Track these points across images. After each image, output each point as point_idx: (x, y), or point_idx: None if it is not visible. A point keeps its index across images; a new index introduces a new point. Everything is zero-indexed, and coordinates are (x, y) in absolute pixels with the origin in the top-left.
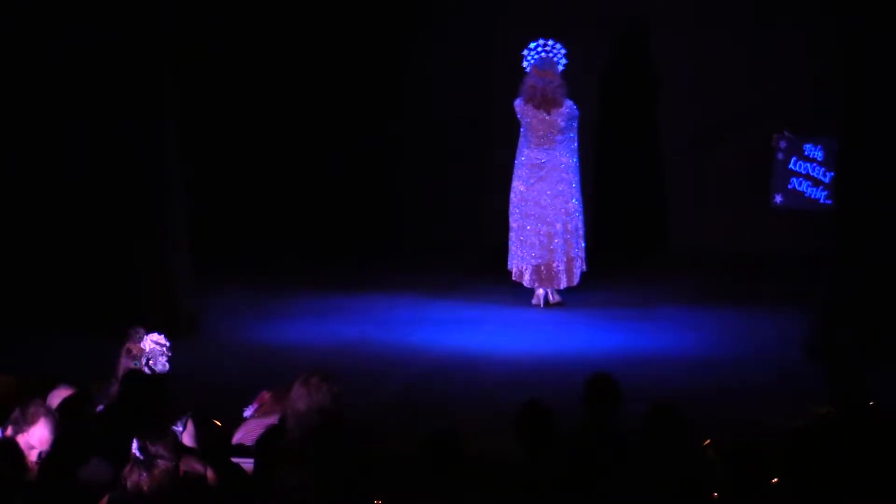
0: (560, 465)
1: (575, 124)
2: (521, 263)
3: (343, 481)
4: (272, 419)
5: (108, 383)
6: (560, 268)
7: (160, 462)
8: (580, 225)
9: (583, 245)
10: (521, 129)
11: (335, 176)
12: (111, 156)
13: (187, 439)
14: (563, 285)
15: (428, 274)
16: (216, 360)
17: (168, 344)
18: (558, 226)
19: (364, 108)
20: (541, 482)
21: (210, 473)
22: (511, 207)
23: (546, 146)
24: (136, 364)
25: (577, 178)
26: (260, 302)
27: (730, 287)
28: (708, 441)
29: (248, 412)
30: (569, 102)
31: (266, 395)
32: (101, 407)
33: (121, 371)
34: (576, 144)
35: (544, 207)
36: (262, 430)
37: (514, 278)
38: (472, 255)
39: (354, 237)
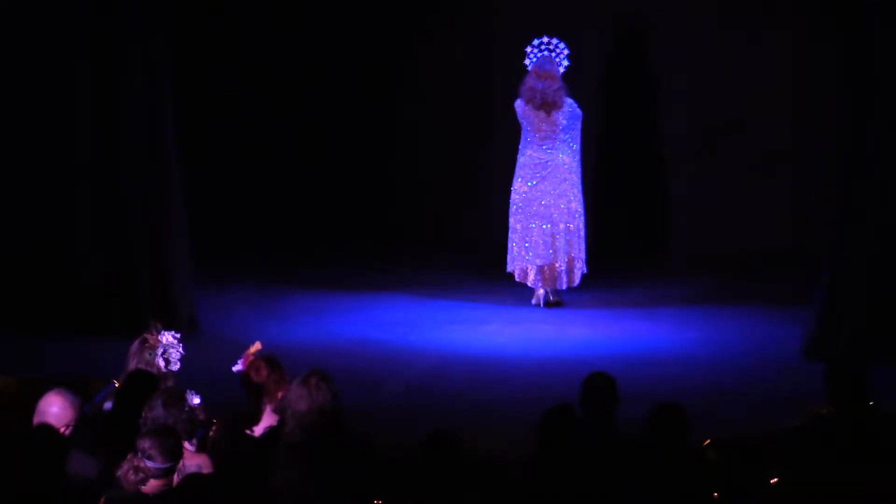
0: (560, 465)
1: (578, 125)
2: (524, 264)
3: (343, 481)
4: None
5: (109, 382)
6: (562, 268)
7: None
8: (581, 226)
9: (584, 246)
10: (523, 130)
11: (335, 175)
12: (110, 155)
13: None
14: (563, 286)
15: (428, 274)
16: (216, 359)
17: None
18: (561, 226)
19: (364, 107)
20: (541, 482)
21: (206, 465)
22: (513, 208)
23: (548, 145)
24: (151, 354)
25: (579, 179)
26: (259, 301)
27: (730, 287)
28: (708, 441)
29: (236, 369)
30: (570, 102)
31: (250, 354)
32: (108, 405)
33: (134, 363)
34: (577, 146)
35: (548, 207)
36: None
37: (517, 279)
38: (472, 255)
39: (354, 237)
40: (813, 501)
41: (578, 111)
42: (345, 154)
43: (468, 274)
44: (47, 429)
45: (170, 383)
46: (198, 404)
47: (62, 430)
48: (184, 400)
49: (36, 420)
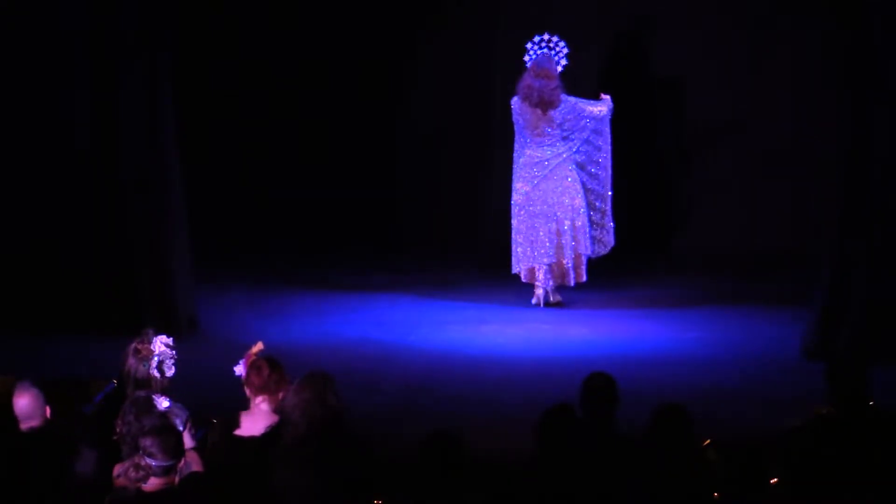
0: (560, 465)
1: (602, 128)
2: (531, 264)
3: (343, 481)
4: (268, 416)
5: (109, 382)
6: (569, 265)
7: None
8: (586, 221)
9: (589, 242)
10: (518, 129)
11: (335, 175)
12: (110, 155)
13: (187, 439)
14: (572, 282)
15: (428, 274)
16: (216, 359)
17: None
18: (566, 223)
19: (364, 107)
20: (541, 482)
21: (195, 462)
22: (515, 209)
23: (547, 143)
24: (145, 366)
25: (608, 175)
26: (259, 301)
27: (730, 287)
28: (708, 441)
29: (238, 371)
30: (570, 101)
31: (252, 354)
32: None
33: (127, 369)
34: (588, 138)
35: (552, 205)
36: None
37: (524, 280)
38: (472, 255)
39: (354, 237)
40: (813, 501)
41: (579, 108)
42: (345, 154)
43: (468, 274)
44: (52, 428)
45: (161, 386)
46: (167, 408)
47: (47, 412)
48: (153, 406)
49: (23, 424)
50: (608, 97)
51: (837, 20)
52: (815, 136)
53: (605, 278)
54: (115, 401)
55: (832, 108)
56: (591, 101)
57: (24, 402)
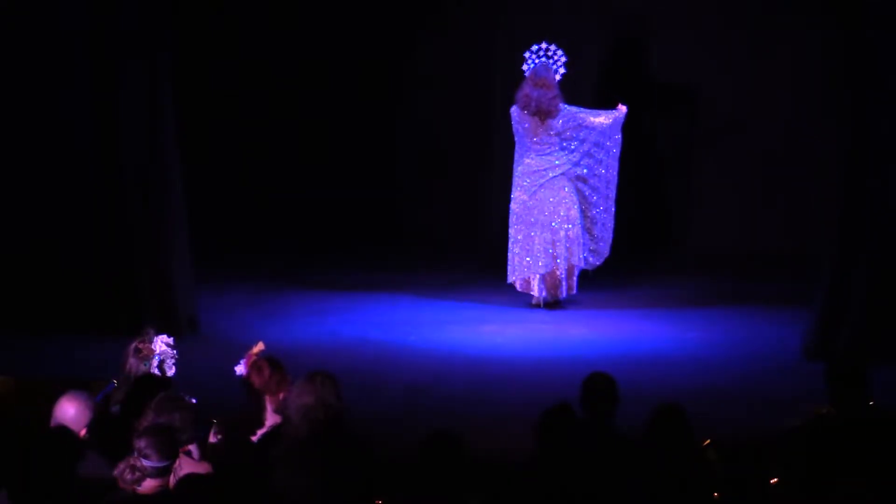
0: (560, 465)
1: (581, 134)
2: (526, 274)
3: (344, 482)
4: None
5: (109, 382)
6: (562, 275)
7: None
8: (581, 232)
9: (582, 253)
10: (518, 138)
11: (335, 175)
12: (110, 155)
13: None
14: (564, 294)
15: (428, 274)
16: (216, 359)
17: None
18: (561, 233)
19: (364, 107)
20: (541, 482)
21: (204, 468)
22: (513, 217)
23: (546, 152)
24: (146, 365)
25: (612, 185)
26: (260, 302)
27: (730, 287)
28: (708, 441)
29: (239, 371)
30: (570, 110)
31: (252, 354)
32: (115, 408)
33: (128, 368)
34: (590, 150)
35: (548, 215)
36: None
37: (519, 289)
38: (472, 255)
39: (354, 237)
40: (813, 501)
41: (593, 122)
42: (344, 154)
43: (468, 274)
44: (61, 430)
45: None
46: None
47: (82, 432)
48: (183, 400)
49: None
50: (624, 108)
51: (837, 20)
52: (815, 136)
53: (606, 278)
54: (133, 403)
55: (832, 108)
56: (594, 111)
57: (71, 412)
